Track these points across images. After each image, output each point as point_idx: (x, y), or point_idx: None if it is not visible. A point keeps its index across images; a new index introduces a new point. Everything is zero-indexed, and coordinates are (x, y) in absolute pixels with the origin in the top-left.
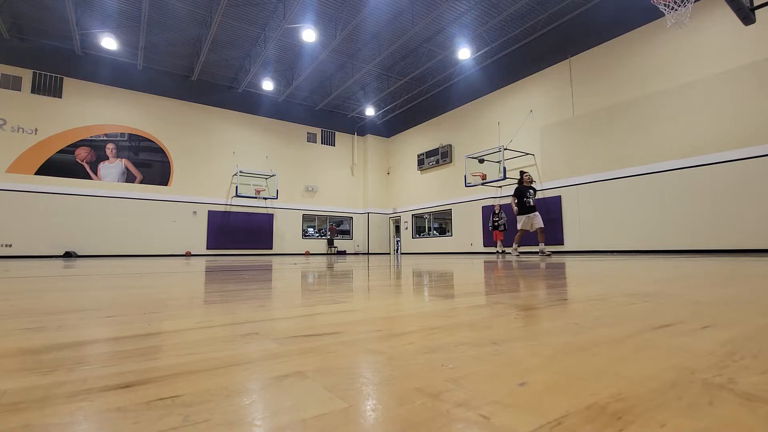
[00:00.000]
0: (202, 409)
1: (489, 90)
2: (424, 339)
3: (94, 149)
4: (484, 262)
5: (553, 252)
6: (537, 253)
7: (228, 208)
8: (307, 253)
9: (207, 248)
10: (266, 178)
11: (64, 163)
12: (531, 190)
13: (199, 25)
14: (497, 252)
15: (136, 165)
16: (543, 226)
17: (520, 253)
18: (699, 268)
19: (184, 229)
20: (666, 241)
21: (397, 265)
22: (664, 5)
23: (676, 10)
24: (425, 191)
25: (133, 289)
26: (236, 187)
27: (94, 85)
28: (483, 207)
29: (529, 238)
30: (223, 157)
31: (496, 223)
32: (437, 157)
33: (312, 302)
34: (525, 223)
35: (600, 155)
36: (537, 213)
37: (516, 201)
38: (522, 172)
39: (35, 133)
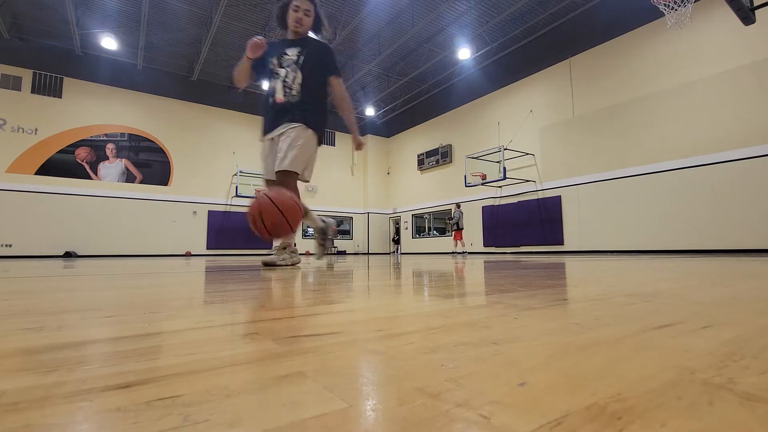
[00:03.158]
0: (202, 409)
1: (489, 90)
2: (424, 339)
3: (94, 149)
4: (484, 262)
5: (553, 252)
6: (461, 253)
7: (228, 208)
8: (308, 253)
9: (207, 248)
10: None
11: (64, 163)
12: (288, 49)
13: (199, 25)
14: (458, 252)
15: (136, 165)
16: (292, 168)
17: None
18: (699, 268)
19: (184, 229)
20: (666, 241)
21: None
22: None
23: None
24: (425, 191)
25: (133, 289)
26: (236, 187)
27: (94, 85)
28: (483, 207)
29: (527, 236)
30: (223, 157)
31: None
32: (437, 157)
33: (312, 302)
34: (265, 155)
35: (600, 155)
36: (291, 131)
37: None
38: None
39: (35, 133)
